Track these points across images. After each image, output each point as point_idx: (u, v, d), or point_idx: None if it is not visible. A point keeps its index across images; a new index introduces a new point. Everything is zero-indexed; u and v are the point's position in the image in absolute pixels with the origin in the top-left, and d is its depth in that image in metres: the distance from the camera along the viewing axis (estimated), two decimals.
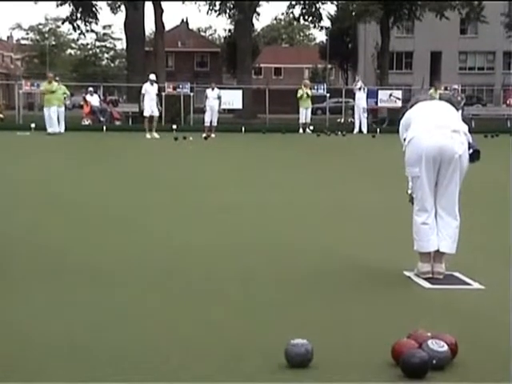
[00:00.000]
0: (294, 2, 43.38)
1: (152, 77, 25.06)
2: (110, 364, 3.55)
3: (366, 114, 28.99)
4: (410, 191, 5.52)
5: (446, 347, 3.53)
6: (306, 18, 43.25)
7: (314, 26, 46.15)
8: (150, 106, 24.47)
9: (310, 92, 28.79)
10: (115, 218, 8.06)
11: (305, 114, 28.60)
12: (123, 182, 11.64)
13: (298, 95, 28.59)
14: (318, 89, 32.22)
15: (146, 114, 24.58)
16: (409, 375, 3.40)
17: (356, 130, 28.72)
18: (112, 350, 3.74)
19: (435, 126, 5.31)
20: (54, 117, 25.40)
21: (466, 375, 3.49)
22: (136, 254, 6.18)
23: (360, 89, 29.24)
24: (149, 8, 36.54)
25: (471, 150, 5.37)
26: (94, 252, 6.25)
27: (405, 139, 5.54)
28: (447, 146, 5.23)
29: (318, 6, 42.85)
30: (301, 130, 28.40)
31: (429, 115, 5.45)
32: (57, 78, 27.90)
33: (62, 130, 25.82)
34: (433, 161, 5.27)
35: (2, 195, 9.74)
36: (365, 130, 28.59)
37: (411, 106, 5.70)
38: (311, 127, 28.75)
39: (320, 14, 43.20)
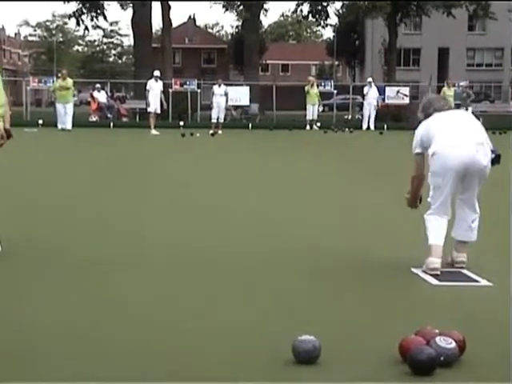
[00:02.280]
0: (301, 1, 43.31)
1: (156, 73, 25.09)
2: (111, 364, 3.53)
3: (375, 112, 28.93)
4: (429, 199, 5.56)
5: (453, 344, 3.52)
6: (316, 16, 43.16)
7: (319, 24, 45.92)
8: (155, 103, 24.52)
9: (316, 89, 28.71)
10: (121, 219, 8.06)
11: (312, 111, 28.56)
12: (128, 181, 11.65)
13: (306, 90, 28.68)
14: (325, 85, 32.21)
15: (151, 110, 24.61)
16: (416, 372, 3.40)
17: (364, 126, 28.66)
18: (113, 350, 3.72)
19: (460, 141, 5.37)
20: (70, 113, 25.46)
21: (473, 372, 3.48)
22: (136, 252, 6.18)
23: (370, 84, 29.17)
24: (156, 4, 36.57)
25: (493, 155, 5.45)
26: (91, 250, 6.27)
27: (418, 153, 5.62)
28: (474, 160, 5.35)
29: (325, 3, 42.78)
30: (308, 127, 28.37)
31: (451, 128, 5.50)
32: (59, 75, 27.94)
33: (69, 126, 25.88)
34: (458, 175, 5.40)
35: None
36: (372, 126, 28.54)
37: (426, 116, 5.70)
38: (318, 124, 28.71)
39: (327, 12, 43.16)
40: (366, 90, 29.32)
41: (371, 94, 28.90)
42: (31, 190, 9.96)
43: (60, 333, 3.98)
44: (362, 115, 29.83)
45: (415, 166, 5.69)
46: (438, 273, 5.35)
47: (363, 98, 30.01)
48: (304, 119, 28.86)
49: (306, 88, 28.60)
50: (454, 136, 5.41)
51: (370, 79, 30.14)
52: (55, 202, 8.83)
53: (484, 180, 5.52)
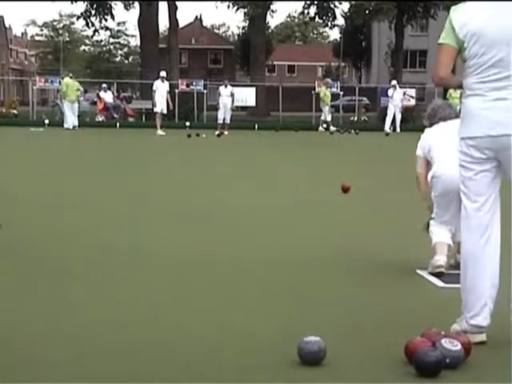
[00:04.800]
0: (308, 2, 43.32)
1: (163, 74, 25.16)
2: (115, 364, 3.53)
3: (400, 114, 28.66)
4: (433, 215, 5.59)
5: (459, 346, 3.52)
6: (323, 18, 43.19)
7: (326, 26, 46.01)
8: (161, 103, 24.56)
9: (327, 91, 28.88)
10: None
11: (327, 112, 28.66)
12: (129, 182, 11.65)
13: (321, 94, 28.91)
14: (331, 87, 32.26)
15: (157, 110, 24.65)
16: (422, 374, 3.39)
17: (387, 127, 28.13)
18: (117, 350, 3.72)
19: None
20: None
21: (479, 374, 3.48)
22: (138, 252, 6.19)
23: (395, 87, 28.94)
24: (163, 5, 36.59)
25: None
26: (92, 251, 6.27)
27: (418, 155, 5.68)
28: None
29: (332, 5, 42.78)
30: (320, 128, 28.41)
31: (450, 148, 5.41)
32: (70, 75, 28.10)
33: (76, 124, 26.02)
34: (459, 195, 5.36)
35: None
36: (398, 129, 28.30)
37: (431, 124, 5.73)
38: (324, 125, 28.70)
39: (334, 13, 43.16)
40: (390, 92, 28.86)
41: (397, 96, 28.72)
42: (28, 190, 9.99)
43: (60, 333, 3.98)
44: (387, 116, 29.34)
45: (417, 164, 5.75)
46: (443, 270, 5.34)
47: (387, 101, 29.80)
48: (319, 120, 28.93)
49: (322, 90, 28.69)
50: (454, 157, 5.39)
51: (394, 82, 29.83)
52: (52, 202, 8.85)
53: None
